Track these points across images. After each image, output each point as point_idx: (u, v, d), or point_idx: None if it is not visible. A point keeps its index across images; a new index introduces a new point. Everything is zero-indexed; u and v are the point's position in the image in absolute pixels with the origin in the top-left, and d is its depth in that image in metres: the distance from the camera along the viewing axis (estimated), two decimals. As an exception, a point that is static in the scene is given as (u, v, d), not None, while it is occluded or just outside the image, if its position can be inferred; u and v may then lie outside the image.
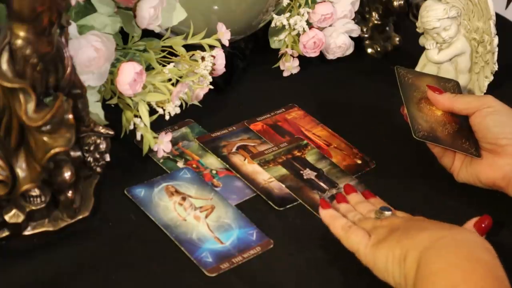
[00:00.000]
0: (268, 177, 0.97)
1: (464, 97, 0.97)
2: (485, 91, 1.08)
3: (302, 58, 1.15)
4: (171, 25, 0.99)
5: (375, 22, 1.22)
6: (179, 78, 0.97)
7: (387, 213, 0.87)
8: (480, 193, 0.96)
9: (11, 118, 0.79)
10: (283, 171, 0.98)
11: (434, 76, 1.04)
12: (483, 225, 0.86)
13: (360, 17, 1.22)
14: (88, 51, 0.88)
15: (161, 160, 0.97)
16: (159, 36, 1.01)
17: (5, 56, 0.75)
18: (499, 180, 0.92)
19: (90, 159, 0.87)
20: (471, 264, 0.75)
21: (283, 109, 1.09)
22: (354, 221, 0.88)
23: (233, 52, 1.13)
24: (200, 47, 1.00)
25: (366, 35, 1.23)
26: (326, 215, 0.88)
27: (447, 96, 0.96)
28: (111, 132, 0.87)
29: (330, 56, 1.16)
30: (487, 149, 0.93)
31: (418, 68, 1.11)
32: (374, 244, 0.82)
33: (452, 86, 1.01)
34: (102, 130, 0.86)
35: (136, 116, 0.94)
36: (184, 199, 0.92)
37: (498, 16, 1.06)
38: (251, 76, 1.15)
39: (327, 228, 0.90)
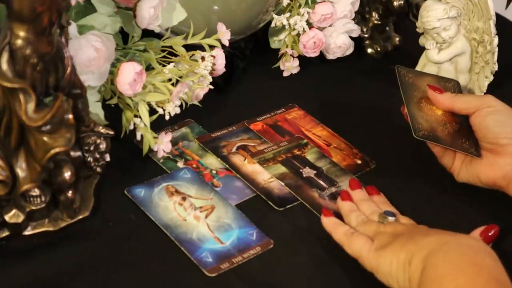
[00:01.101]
0: (268, 177, 0.97)
1: (464, 97, 0.97)
2: (485, 91, 1.08)
3: (302, 58, 1.15)
4: (171, 25, 0.99)
5: (375, 22, 1.22)
6: (179, 78, 0.97)
7: (391, 218, 0.87)
8: (481, 193, 0.96)
9: (11, 118, 0.79)
10: (282, 169, 0.98)
11: (434, 75, 1.04)
12: (489, 234, 0.87)
13: (360, 17, 1.22)
14: (88, 51, 0.88)
15: (161, 160, 0.97)
16: (159, 36, 1.01)
17: (5, 56, 0.75)
18: (500, 179, 0.92)
19: (90, 159, 0.87)
20: (475, 268, 0.75)
21: (283, 109, 1.09)
22: (357, 223, 0.88)
23: (233, 52, 1.13)
24: (200, 47, 1.00)
25: (366, 35, 1.23)
26: (328, 223, 0.89)
27: (448, 96, 0.96)
28: (111, 132, 0.87)
29: (330, 56, 1.16)
30: (487, 149, 0.93)
31: (418, 68, 1.11)
32: (378, 249, 0.82)
33: (453, 86, 1.01)
34: (102, 130, 0.86)
35: (136, 116, 0.94)
36: (184, 199, 0.92)
37: (498, 16, 1.06)
38: (251, 76, 1.15)
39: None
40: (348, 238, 0.85)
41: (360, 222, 0.88)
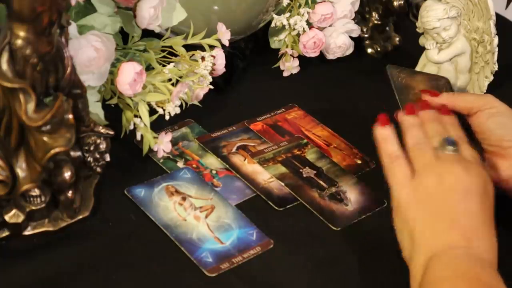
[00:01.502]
0: (268, 177, 0.97)
1: (464, 96, 0.96)
2: (485, 91, 1.08)
3: (302, 58, 1.15)
4: (171, 25, 0.99)
5: (375, 22, 1.22)
6: (179, 78, 0.97)
7: (450, 148, 0.82)
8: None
9: (11, 118, 0.79)
10: (282, 169, 0.98)
11: (425, 74, 1.03)
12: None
13: (360, 17, 1.22)
14: (88, 51, 0.88)
15: (161, 160, 0.97)
16: (159, 36, 1.01)
17: (5, 56, 0.75)
18: (503, 182, 0.90)
19: (90, 159, 0.87)
20: (475, 275, 0.74)
21: (283, 109, 1.09)
22: (413, 143, 0.84)
23: (233, 52, 1.13)
24: (200, 47, 1.00)
25: (366, 35, 1.23)
26: (380, 134, 0.86)
27: (446, 97, 0.95)
28: (111, 132, 0.87)
29: (330, 56, 1.17)
30: (489, 151, 0.92)
31: (418, 68, 1.11)
32: (406, 199, 0.80)
33: (444, 84, 1.00)
34: (102, 130, 0.86)
35: (136, 116, 0.94)
36: (184, 199, 0.92)
37: (498, 16, 1.06)
38: (251, 76, 1.15)
39: (327, 227, 0.90)
40: (390, 163, 0.83)
41: (415, 144, 0.84)
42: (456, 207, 0.79)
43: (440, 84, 1.00)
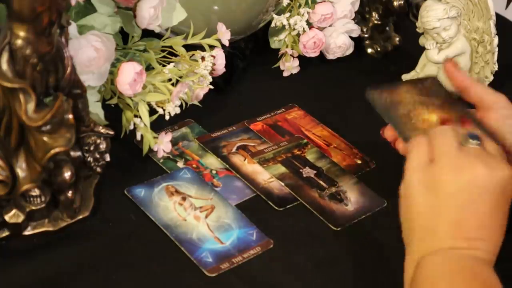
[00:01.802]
0: (268, 177, 0.97)
1: (480, 86, 0.89)
2: (485, 91, 1.08)
3: (302, 58, 1.15)
4: (171, 25, 0.99)
5: (375, 22, 1.22)
6: (179, 78, 0.97)
7: (473, 142, 0.76)
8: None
9: (11, 118, 0.79)
10: (282, 169, 0.98)
11: (409, 81, 1.00)
12: None
13: (360, 17, 1.22)
14: (88, 51, 0.88)
15: (161, 160, 0.97)
16: (159, 36, 1.01)
17: (5, 56, 0.75)
18: None
19: (90, 159, 0.87)
20: (472, 274, 0.73)
21: (283, 109, 1.09)
22: (436, 129, 0.79)
23: (233, 52, 1.13)
24: (200, 47, 1.00)
25: (366, 35, 1.23)
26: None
27: (465, 76, 0.88)
28: (111, 132, 0.87)
29: (330, 56, 1.17)
30: None
31: (418, 68, 1.11)
32: (420, 183, 0.76)
33: (431, 82, 0.96)
34: (102, 130, 0.86)
35: (136, 116, 0.94)
36: (184, 199, 0.92)
37: (498, 16, 1.06)
38: (251, 76, 1.15)
39: (327, 227, 0.90)
40: (410, 143, 0.79)
41: (438, 130, 0.79)
42: (467, 207, 0.75)
43: (427, 84, 0.96)
